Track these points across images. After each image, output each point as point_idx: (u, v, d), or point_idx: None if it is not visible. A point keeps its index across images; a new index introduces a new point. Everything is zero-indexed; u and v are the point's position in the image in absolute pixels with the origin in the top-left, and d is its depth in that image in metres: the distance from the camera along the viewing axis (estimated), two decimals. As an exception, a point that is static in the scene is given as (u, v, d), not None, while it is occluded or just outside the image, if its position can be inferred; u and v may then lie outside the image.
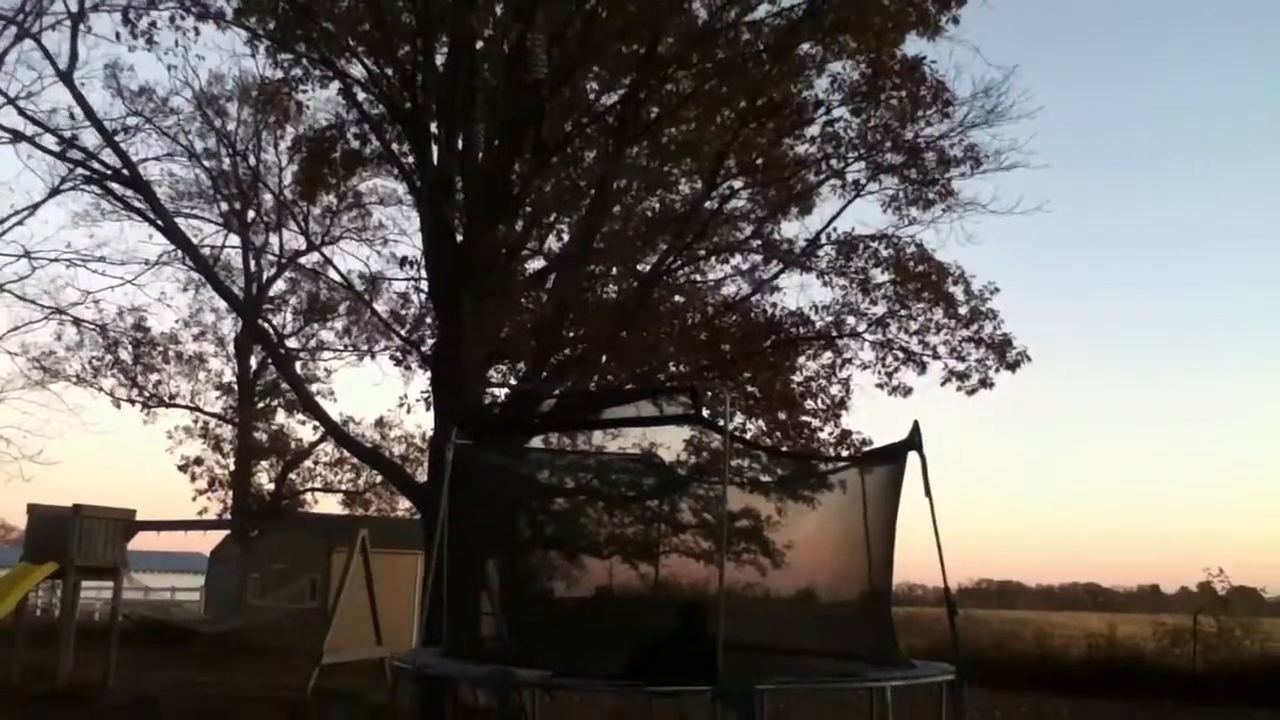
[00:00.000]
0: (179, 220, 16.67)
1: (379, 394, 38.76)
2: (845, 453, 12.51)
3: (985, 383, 12.81)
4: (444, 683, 8.99)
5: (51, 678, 12.61)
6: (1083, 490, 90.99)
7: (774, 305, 13.63)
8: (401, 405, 26.46)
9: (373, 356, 21.28)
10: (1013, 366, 12.77)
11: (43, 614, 19.22)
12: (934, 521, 8.14)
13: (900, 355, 12.95)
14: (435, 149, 11.60)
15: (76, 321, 19.98)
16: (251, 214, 21.06)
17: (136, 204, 13.82)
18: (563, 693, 8.25)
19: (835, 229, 13.03)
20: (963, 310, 12.75)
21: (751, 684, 7.35)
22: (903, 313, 13.00)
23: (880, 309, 13.03)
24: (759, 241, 13.65)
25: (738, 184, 13.45)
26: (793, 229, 13.91)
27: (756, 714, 7.46)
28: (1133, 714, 12.29)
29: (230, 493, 22.80)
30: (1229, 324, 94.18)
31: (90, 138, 13.55)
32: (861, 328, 13.11)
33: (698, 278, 14.19)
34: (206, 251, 19.10)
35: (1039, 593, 51.03)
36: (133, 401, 21.72)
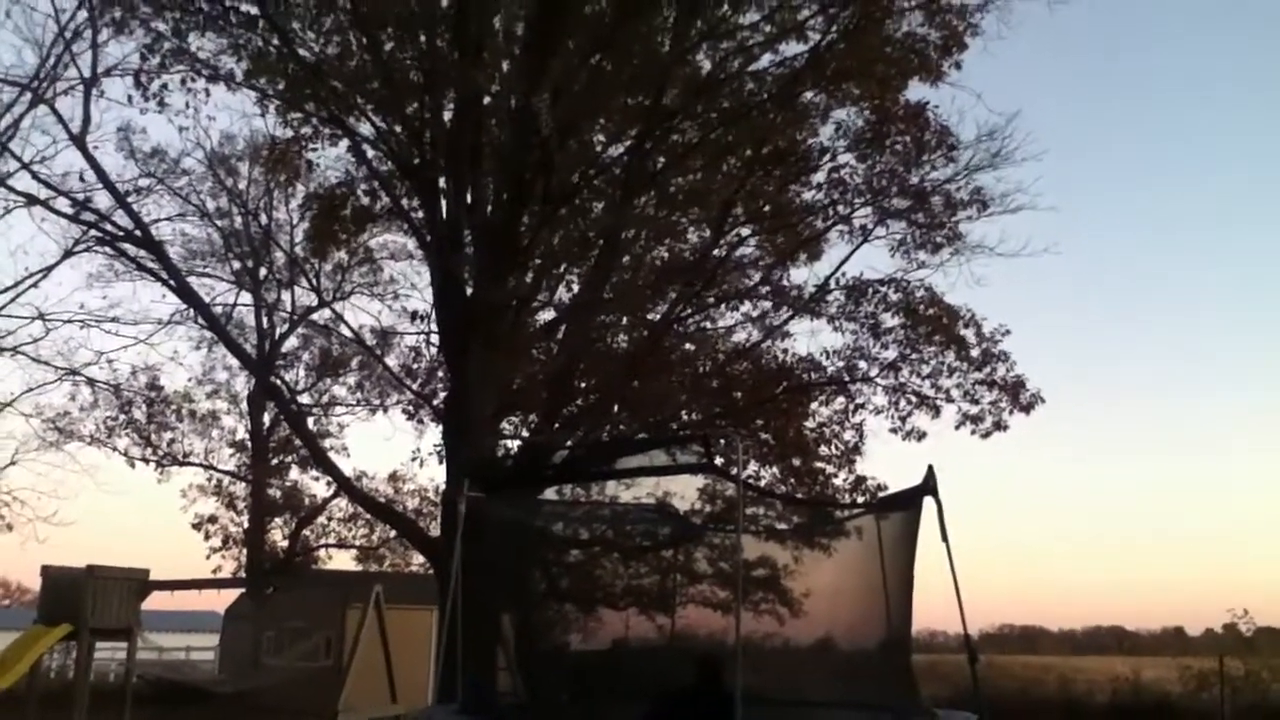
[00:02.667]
0: (191, 279, 16.86)
1: (392, 449, 38.81)
2: (860, 499, 12.43)
3: (999, 425, 12.76)
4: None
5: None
6: (1104, 531, 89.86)
7: (785, 351, 13.65)
8: (414, 459, 26.41)
9: (385, 411, 21.30)
10: (1027, 408, 12.72)
11: (56, 676, 19.04)
12: (952, 566, 8.07)
13: (913, 399, 12.91)
14: (444, 203, 11.70)
15: (90, 382, 20.01)
16: (263, 271, 21.22)
17: (149, 264, 13.93)
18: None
19: (844, 274, 13.09)
20: (974, 353, 12.73)
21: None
22: (914, 356, 12.99)
23: (891, 353, 13.03)
24: (768, 288, 13.69)
25: (745, 231, 13.54)
26: (801, 275, 13.98)
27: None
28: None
29: (244, 550, 22.71)
30: (1244, 356, 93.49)
31: (103, 199, 13.72)
32: (873, 372, 13.10)
33: (708, 325, 14.23)
34: (218, 310, 19.20)
35: (1062, 637, 50.29)
36: (146, 460, 21.70)
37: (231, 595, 23.69)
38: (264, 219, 20.21)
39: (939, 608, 8.79)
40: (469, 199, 11.66)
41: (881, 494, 12.04)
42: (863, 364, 13.12)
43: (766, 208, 13.37)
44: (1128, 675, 15.95)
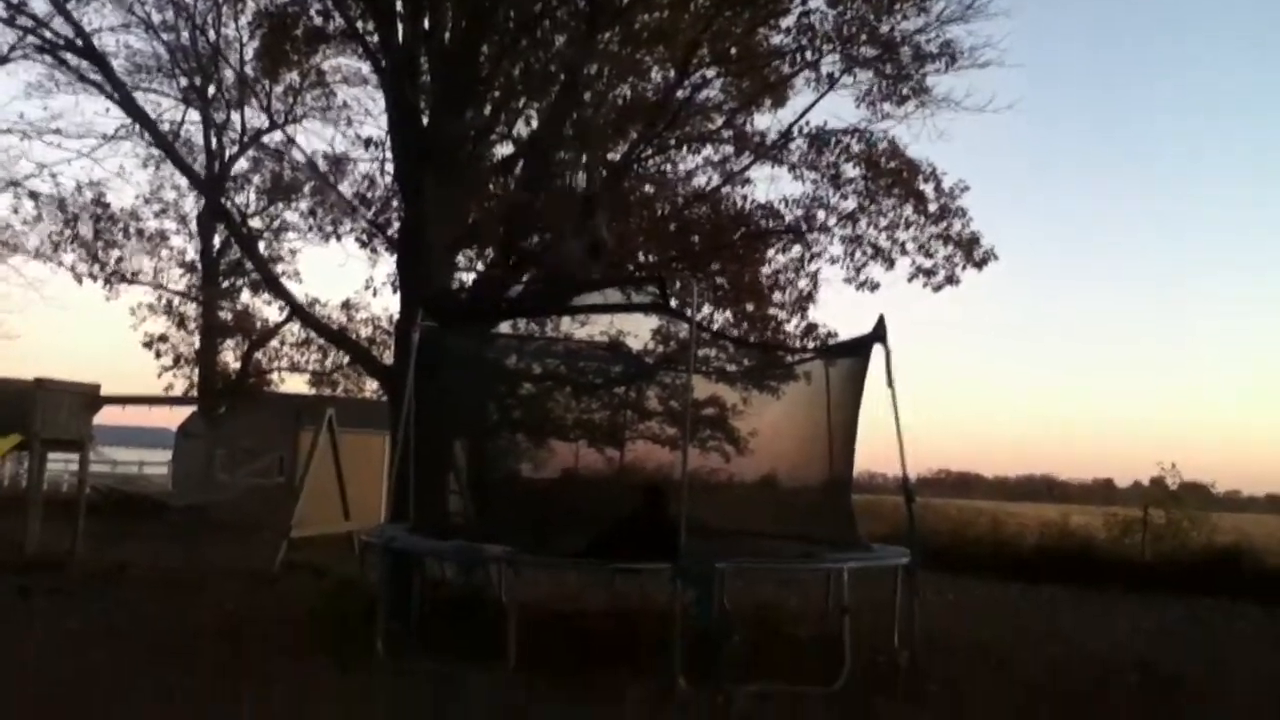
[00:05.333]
0: (137, 94, 16.22)
1: (345, 277, 38.48)
2: (811, 345, 12.68)
3: (951, 279, 12.99)
4: (411, 557, 9.18)
5: (19, 548, 12.72)
6: (1043, 386, 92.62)
7: (744, 198, 13.60)
8: (368, 288, 26.22)
9: (338, 239, 20.98)
10: (979, 264, 12.93)
11: (10, 485, 19.22)
12: (895, 412, 8.41)
13: (869, 251, 13.03)
14: (400, 28, 11.32)
15: (33, 195, 19.52)
16: (212, 90, 20.44)
17: (92, 76, 13.41)
18: (528, 569, 8.46)
19: (808, 122, 12.95)
20: (932, 207, 12.81)
21: (711, 564, 7.61)
22: (873, 208, 13.04)
23: (851, 204, 13.06)
24: (731, 133, 13.54)
25: (710, 73, 13.25)
26: (765, 121, 13.78)
27: (715, 593, 7.74)
28: (1082, 599, 12.80)
29: (196, 370, 22.69)
30: (1194, 225, 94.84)
31: (40, 4, 13.07)
32: (831, 222, 13.15)
33: (668, 168, 14.11)
34: (166, 127, 18.56)
35: (996, 484, 52.31)
36: (94, 278, 21.39)
37: (184, 413, 23.82)
38: (212, 35, 19.34)
39: (881, 451, 9.16)
40: (426, 24, 11.27)
41: (832, 341, 12.29)
42: (821, 214, 13.16)
43: (733, 50, 13.06)
44: (1056, 520, 16.74)
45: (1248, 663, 9.13)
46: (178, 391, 22.42)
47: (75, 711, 6.09)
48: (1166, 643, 9.95)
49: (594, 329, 11.51)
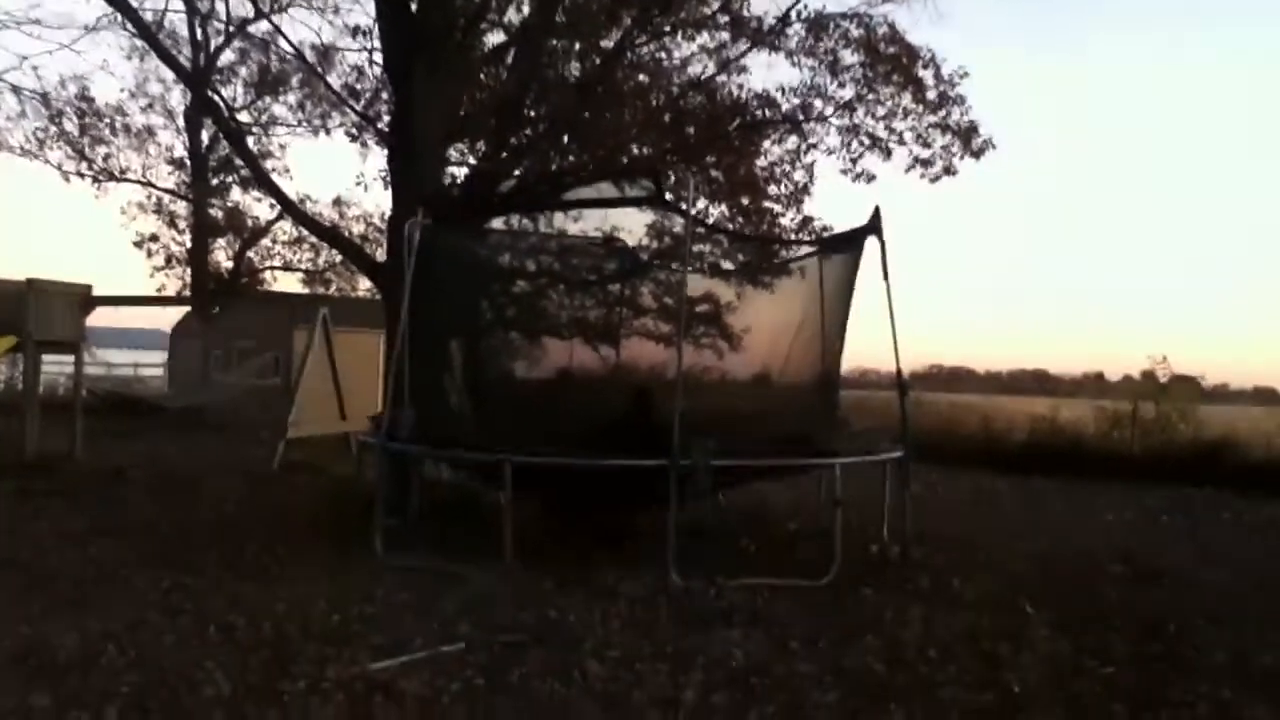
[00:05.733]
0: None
1: (336, 173, 37.96)
2: (806, 239, 12.55)
3: (949, 170, 12.82)
4: (408, 456, 9.24)
5: (17, 449, 12.80)
6: (1037, 279, 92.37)
7: (740, 87, 13.32)
8: (359, 184, 25.95)
9: (328, 132, 20.69)
10: (977, 154, 12.74)
11: (5, 388, 19.27)
12: (890, 305, 8.38)
13: (866, 140, 12.82)
14: (387, -93, 10.92)
15: (15, 89, 19.14)
16: (196, -23, 19.86)
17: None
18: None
19: (806, 6, 12.62)
20: (931, 95, 12.55)
21: (706, 459, 7.66)
22: (870, 97, 12.78)
23: (848, 92, 12.79)
24: (727, 18, 13.17)
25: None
26: (762, 4, 13.41)
27: (709, 487, 7.81)
28: (1070, 492, 12.96)
29: (188, 269, 22.58)
30: (1189, 114, 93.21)
31: (13, -115, 12.56)
32: (829, 111, 12.90)
33: (663, 56, 13.78)
34: (149, 17, 18.06)
35: (988, 379, 52.62)
36: (82, 175, 21.16)
37: (177, 314, 23.80)
38: (195, -84, 18.72)
39: (875, 347, 9.16)
40: (414, -97, 10.87)
41: (827, 234, 12.17)
42: (818, 103, 12.90)
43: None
44: (1046, 415, 16.84)
45: (1228, 551, 9.28)
46: (170, 292, 22.38)
47: (76, 606, 6.19)
48: (1151, 534, 10.10)
49: (588, 224, 11.37)
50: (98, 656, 5.18)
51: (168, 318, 24.31)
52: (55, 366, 15.34)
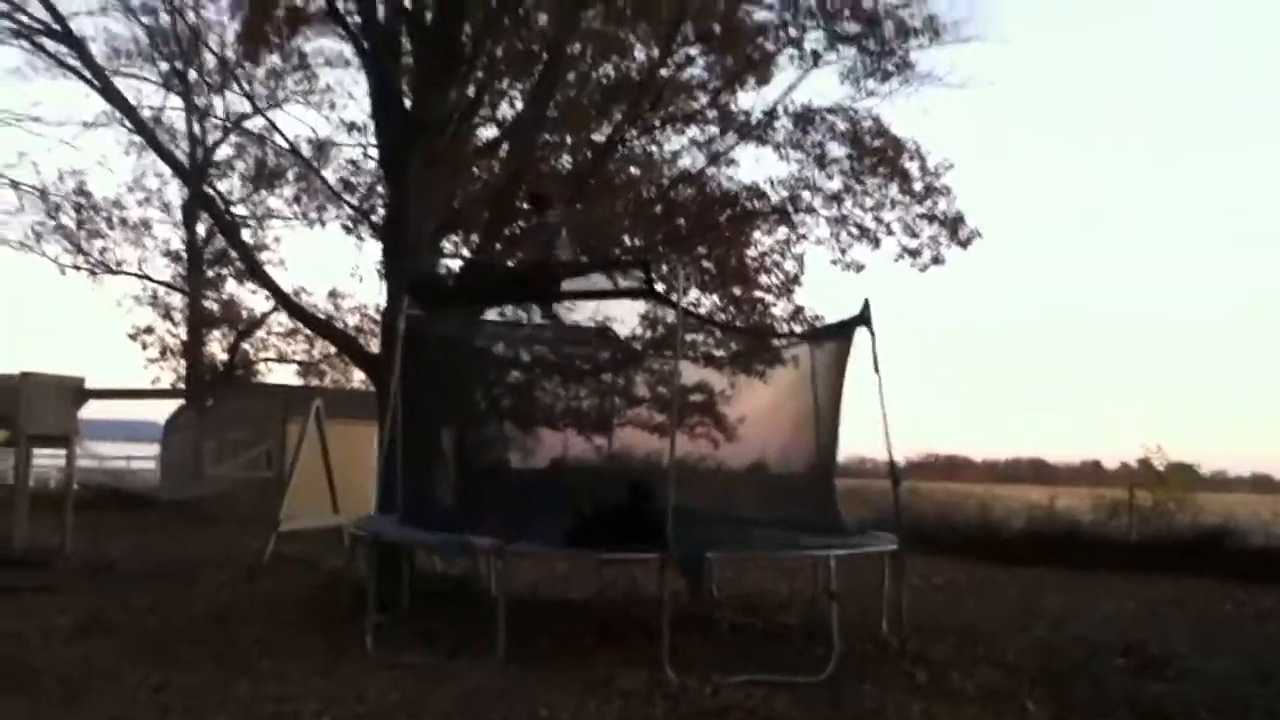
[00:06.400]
0: (116, 80, 16.01)
1: (330, 266, 38.32)
2: (798, 329, 12.64)
3: (937, 259, 12.96)
4: (399, 548, 9.17)
5: (7, 543, 12.67)
6: (1030, 367, 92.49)
7: (729, 179, 13.55)
8: (353, 276, 26.13)
9: (323, 225, 20.85)
10: (964, 243, 12.91)
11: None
12: (881, 396, 8.41)
13: (855, 231, 12.99)
14: (380, 7, 11.22)
15: (14, 184, 19.35)
16: (193, 75, 20.26)
17: (70, 61, 13.22)
18: (517, 558, 8.44)
19: (793, 101, 12.91)
20: (917, 186, 12.77)
21: (702, 551, 7.61)
22: (858, 188, 12.99)
23: (836, 184, 13.01)
24: (715, 112, 13.47)
25: (694, 51, 13.18)
26: (749, 100, 13.72)
27: (705, 579, 7.74)
28: (1069, 581, 12.82)
29: (182, 361, 22.60)
30: (1178, 201, 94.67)
31: (16, -13, 12.84)
32: (817, 203, 13.10)
33: (653, 149, 14.03)
34: (147, 113, 18.36)
35: (985, 467, 52.30)
36: (78, 268, 21.28)
37: (171, 406, 23.74)
38: (192, 17, 19.13)
39: (868, 435, 9.15)
40: (407, 3, 11.18)
41: (818, 324, 12.26)
42: (807, 194, 13.11)
43: (717, 26, 12.98)
44: (1043, 503, 16.74)
45: (1230, 641, 9.15)
46: (165, 384, 22.36)
47: (64, 704, 6.07)
48: (1152, 624, 9.97)
49: (581, 315, 11.47)
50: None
51: (161, 409, 24.23)
52: (47, 460, 15.27)
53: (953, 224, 12.78)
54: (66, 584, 10.84)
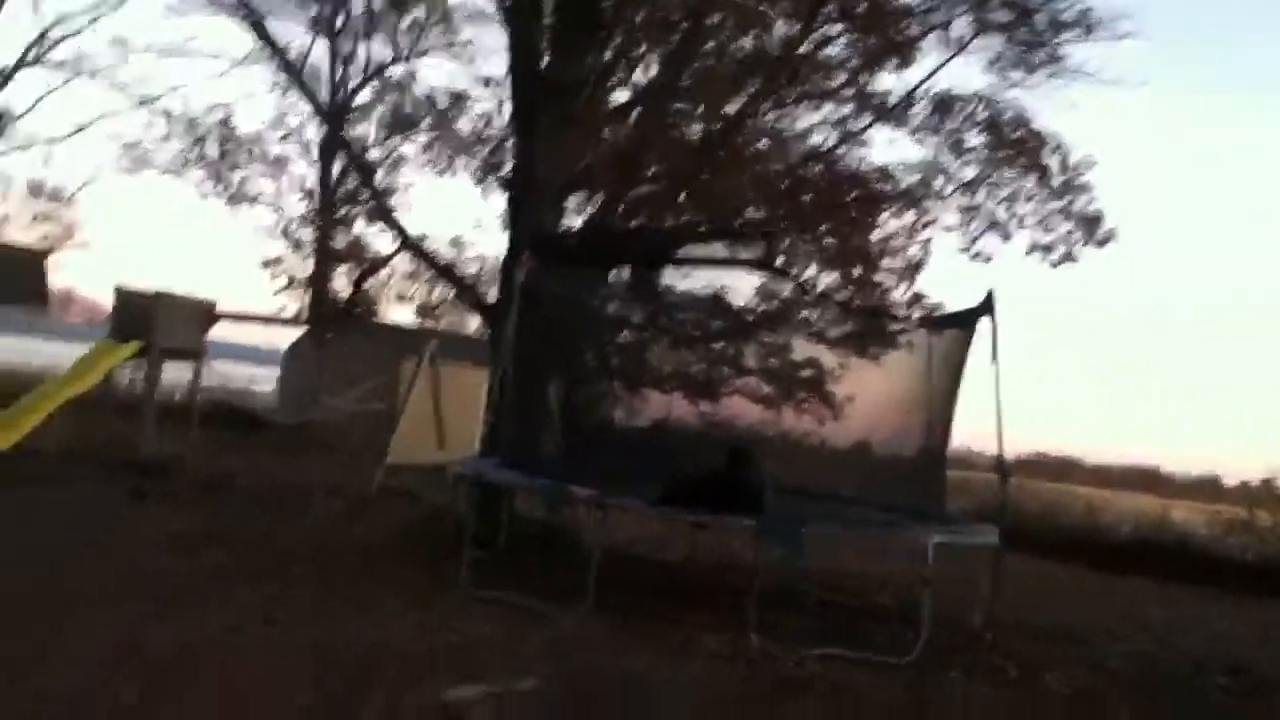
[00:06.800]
0: (268, 21, 16.58)
1: (456, 215, 38.82)
2: (917, 315, 12.42)
3: (1070, 257, 12.54)
4: (500, 490, 9.39)
5: (133, 449, 13.35)
6: (1155, 374, 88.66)
7: (860, 160, 13.30)
8: (477, 226, 26.54)
9: (453, 174, 21.26)
10: (1101, 243, 12.46)
11: (125, 391, 20.11)
12: (997, 389, 8.25)
13: (986, 221, 12.65)
14: (525, -34, 11.35)
15: (166, 114, 20.23)
16: (340, 21, 20.86)
17: (227, 1, 13.75)
18: (614, 512, 8.56)
19: (933, 85, 12.59)
20: (1056, 182, 12.36)
21: (798, 525, 7.60)
22: (993, 178, 12.64)
23: (971, 172, 12.66)
24: (852, 92, 13.22)
25: (836, 30, 12.95)
26: (888, 82, 13.42)
27: (800, 554, 7.74)
28: (1175, 594, 12.41)
29: (307, 294, 23.34)
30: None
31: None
32: (949, 190, 12.78)
33: (784, 125, 13.86)
34: (294, 55, 18.97)
35: (1095, 471, 50.53)
36: (217, 196, 22.14)
37: (293, 335, 24.55)
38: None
39: (979, 428, 8.99)
40: (552, -35, 11.28)
41: (938, 312, 12.03)
42: (939, 180, 12.80)
43: (861, 6, 12.73)
44: (1155, 512, 16.17)
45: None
46: (289, 314, 23.14)
47: (180, 610, 6.40)
48: (1263, 647, 9.58)
49: (697, 282, 11.51)
50: (191, 657, 5.34)
51: (284, 337, 25.06)
52: (173, 374, 16.02)
53: (1090, 223, 12.36)
54: (187, 495, 11.37)
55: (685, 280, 11.73)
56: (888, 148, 13.76)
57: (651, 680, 6.00)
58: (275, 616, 6.45)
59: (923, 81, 12.56)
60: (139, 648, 5.41)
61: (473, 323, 23.09)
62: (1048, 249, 12.50)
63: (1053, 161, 12.35)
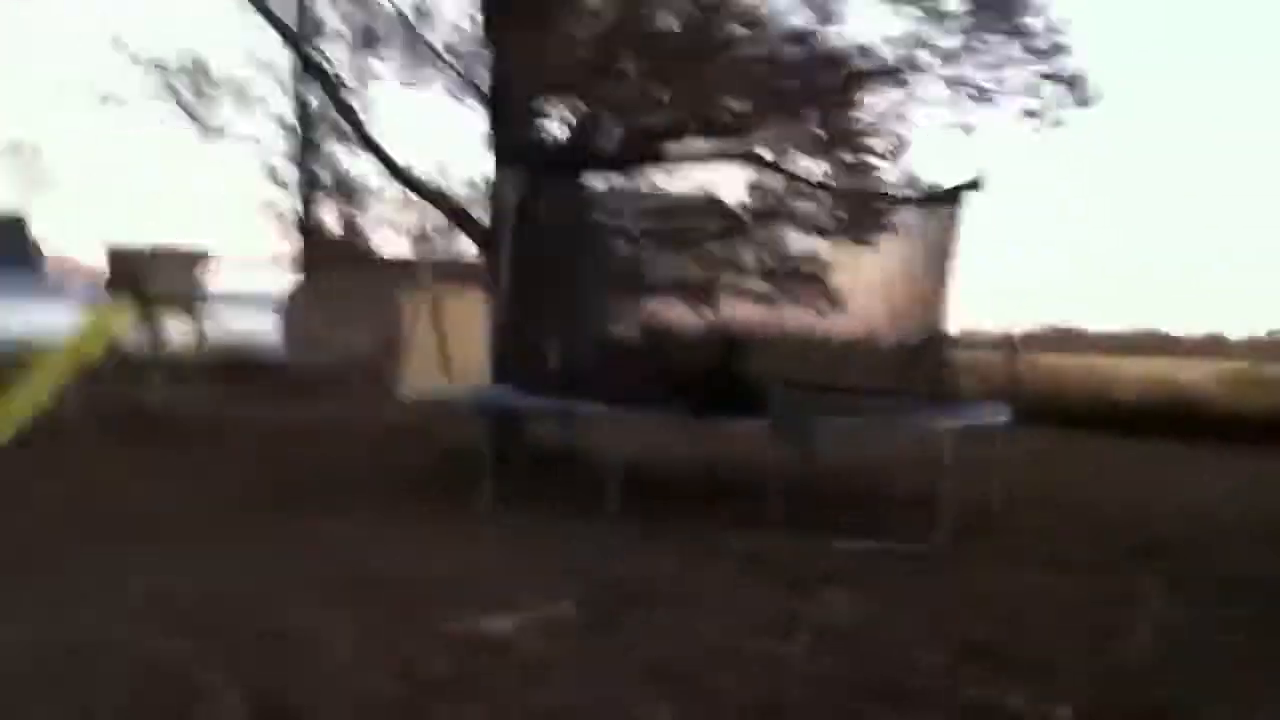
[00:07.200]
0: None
1: (438, 135, 38.04)
2: (908, 194, 12.28)
3: (1057, 121, 12.35)
4: (515, 415, 9.43)
5: (140, 404, 13.40)
6: (1148, 233, 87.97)
7: (839, 36, 12.98)
8: (459, 146, 26.16)
9: (429, 91, 20.86)
10: (1085, 104, 12.25)
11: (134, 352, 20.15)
12: (986, 263, 8.19)
13: (974, 93, 12.41)
14: None
15: (134, 57, 19.78)
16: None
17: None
18: (626, 423, 8.61)
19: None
20: (1039, 44, 12.09)
21: (809, 418, 7.65)
22: (977, 46, 12.35)
23: (954, 42, 12.37)
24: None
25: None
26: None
27: (814, 446, 7.80)
28: (1187, 454, 12.52)
29: (300, 234, 23.21)
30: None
31: None
32: (933, 62, 12.50)
33: (760, 7, 13.51)
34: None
35: (1100, 339, 50.68)
36: (197, 137, 21.83)
37: (292, 277, 24.49)
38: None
39: (979, 305, 8.97)
40: None
41: (930, 190, 11.90)
42: (922, 53, 12.51)
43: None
44: (1162, 377, 16.22)
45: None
46: (284, 255, 23.06)
47: (204, 548, 6.51)
48: (1275, 497, 9.71)
49: (686, 183, 11.37)
50: (224, 598, 5.43)
51: (282, 280, 25.02)
52: (175, 328, 15.96)
53: (1073, 84, 12.13)
54: (200, 441, 11.44)
55: (676, 182, 11.59)
56: (868, 24, 13.41)
57: (683, 584, 6.09)
58: (305, 553, 6.54)
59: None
60: (171, 595, 5.45)
61: (469, 247, 22.97)
62: (1035, 114, 12.31)
63: (1035, 22, 12.07)
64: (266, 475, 9.55)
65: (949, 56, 12.44)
